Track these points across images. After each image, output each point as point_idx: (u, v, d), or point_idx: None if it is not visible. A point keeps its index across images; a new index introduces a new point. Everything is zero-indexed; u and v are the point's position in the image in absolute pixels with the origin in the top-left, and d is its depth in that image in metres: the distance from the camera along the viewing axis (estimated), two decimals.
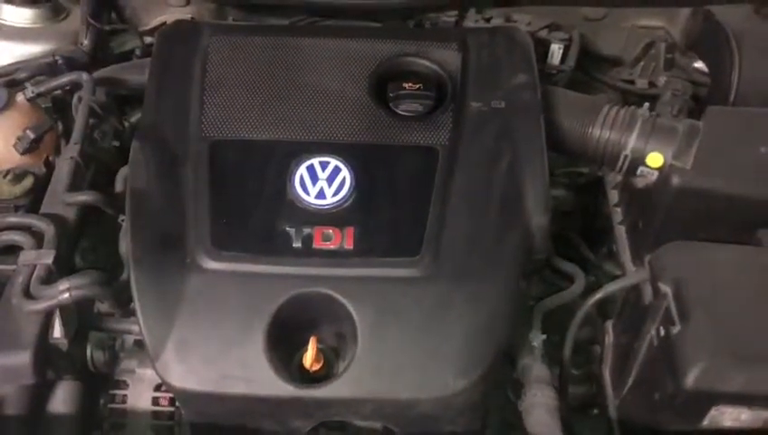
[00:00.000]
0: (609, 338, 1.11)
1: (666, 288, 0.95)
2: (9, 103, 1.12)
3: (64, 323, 0.93)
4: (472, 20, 1.27)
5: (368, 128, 1.04)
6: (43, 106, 1.18)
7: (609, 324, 1.12)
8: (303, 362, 0.90)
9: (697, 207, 1.02)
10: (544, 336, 1.04)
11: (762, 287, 0.92)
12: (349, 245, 0.94)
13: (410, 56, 1.12)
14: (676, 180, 1.02)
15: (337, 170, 1.00)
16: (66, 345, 0.94)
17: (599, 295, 1.05)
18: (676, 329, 0.90)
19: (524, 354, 1.03)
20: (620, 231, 1.18)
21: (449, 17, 1.28)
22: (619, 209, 1.20)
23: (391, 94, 1.08)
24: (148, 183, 1.00)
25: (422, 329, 0.92)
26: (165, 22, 1.32)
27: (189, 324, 0.91)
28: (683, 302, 0.91)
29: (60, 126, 1.16)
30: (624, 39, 1.33)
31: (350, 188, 0.98)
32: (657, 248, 0.99)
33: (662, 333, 0.94)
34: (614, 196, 1.22)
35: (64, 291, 0.89)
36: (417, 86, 1.09)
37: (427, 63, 1.11)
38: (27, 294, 0.90)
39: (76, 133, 1.07)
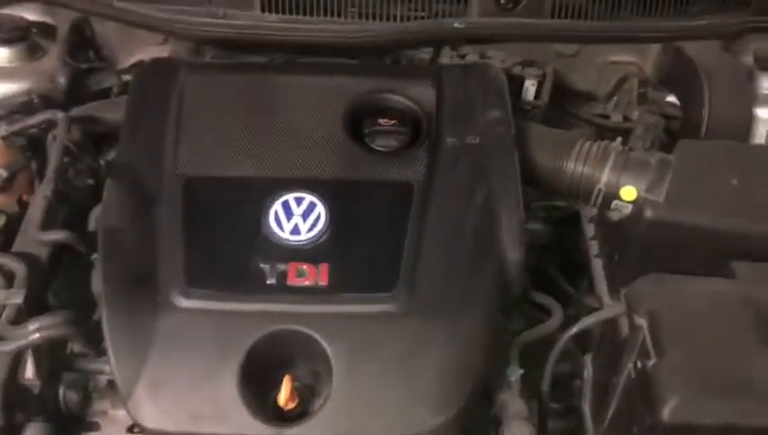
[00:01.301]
0: (588, 372, 1.11)
1: (641, 321, 0.95)
2: None
3: (37, 364, 0.92)
4: (447, 56, 1.29)
5: (343, 163, 1.05)
6: (19, 145, 1.18)
7: (588, 358, 1.12)
8: (278, 400, 0.89)
9: (671, 239, 1.03)
10: (522, 371, 1.03)
11: (735, 319, 0.92)
12: (323, 281, 0.94)
13: (385, 92, 1.13)
14: (649, 213, 1.03)
15: (312, 206, 1.00)
16: (38, 386, 0.93)
17: (575, 329, 1.05)
18: (651, 362, 0.90)
19: (502, 390, 1.02)
20: (597, 264, 1.19)
21: (425, 54, 1.30)
22: (595, 242, 1.20)
23: (366, 130, 1.09)
24: (121, 221, 0.99)
25: (398, 365, 0.91)
26: (142, 60, 1.33)
27: (161, 363, 0.90)
28: (658, 335, 0.91)
29: (34, 165, 1.15)
30: (597, 74, 1.35)
31: (324, 223, 0.98)
32: (633, 281, 1.00)
33: (639, 366, 0.93)
34: (590, 229, 1.23)
35: (34, 331, 0.88)
36: (393, 122, 1.10)
37: (402, 100, 1.13)
38: None
39: (50, 172, 1.07)
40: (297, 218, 0.99)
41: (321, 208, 0.99)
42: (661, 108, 1.33)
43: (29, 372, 0.92)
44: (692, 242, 1.03)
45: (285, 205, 0.99)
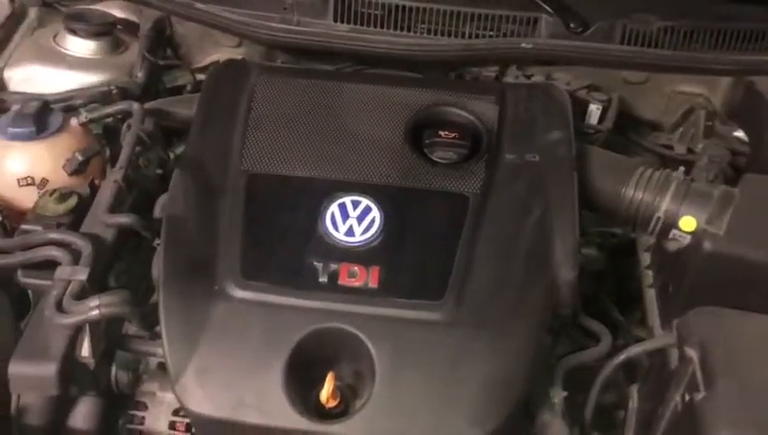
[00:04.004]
0: (634, 402, 1.09)
1: (692, 353, 0.93)
2: (63, 127, 1.17)
3: (93, 342, 0.96)
4: (512, 76, 1.30)
5: (401, 171, 1.07)
6: (95, 132, 1.24)
7: (635, 389, 1.10)
8: (320, 397, 0.90)
9: (729, 273, 1.01)
10: (565, 393, 1.02)
11: None
12: (373, 283, 0.95)
13: (448, 105, 1.15)
14: (707, 245, 1.01)
15: (368, 210, 1.01)
16: (93, 363, 0.96)
17: (622, 357, 1.03)
18: (700, 395, 0.88)
19: (544, 410, 1.01)
20: (650, 294, 1.17)
21: (490, 72, 1.31)
22: (649, 272, 1.19)
23: (427, 141, 1.11)
24: (185, 210, 1.03)
25: (440, 374, 0.91)
26: (217, 60, 1.38)
27: (212, 351, 0.92)
28: (709, 368, 0.89)
29: (108, 151, 1.20)
30: (664, 104, 1.33)
31: (378, 227, 1.00)
32: (686, 313, 0.98)
33: (687, 398, 0.92)
34: (646, 258, 1.21)
35: (94, 308, 0.92)
36: (453, 135, 1.11)
37: (464, 113, 1.14)
38: (59, 308, 0.93)
39: (122, 159, 1.11)
40: (352, 220, 1.00)
41: (376, 213, 1.01)
42: (728, 142, 1.30)
43: (85, 350, 0.96)
44: (750, 277, 1.00)
45: (342, 206, 1.02)
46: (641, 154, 1.33)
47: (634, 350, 1.04)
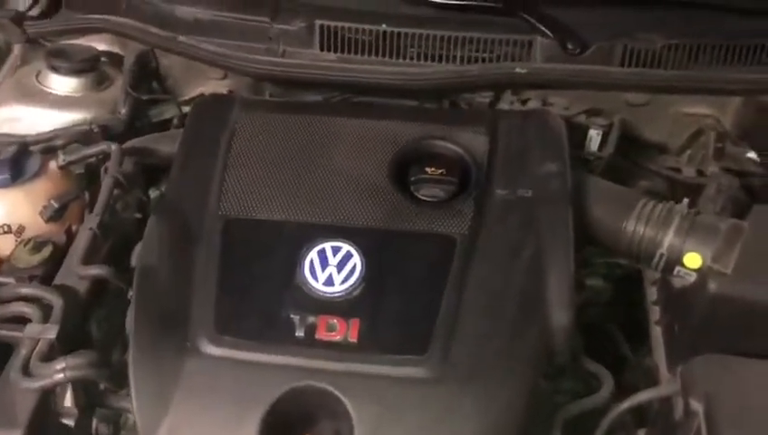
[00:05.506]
0: None
1: (697, 406, 0.87)
2: (40, 171, 1.14)
3: (75, 394, 0.92)
4: (507, 101, 1.24)
5: (384, 212, 1.01)
6: (77, 172, 1.20)
7: (642, 433, 1.04)
8: None
9: (737, 315, 0.94)
10: None
11: None
12: (353, 337, 0.90)
13: (435, 139, 1.09)
14: (713, 286, 0.94)
15: (348, 256, 0.96)
16: (76, 416, 0.93)
17: (625, 405, 0.97)
18: None
19: None
20: (656, 332, 1.10)
21: (484, 97, 1.25)
22: (656, 308, 1.12)
23: (412, 178, 1.05)
24: (158, 260, 0.99)
25: None
26: (203, 93, 1.34)
27: (183, 411, 0.88)
28: (714, 422, 0.83)
29: (87, 195, 1.17)
30: (670, 126, 1.26)
31: (359, 275, 0.95)
32: (692, 356, 0.92)
33: None
34: (653, 292, 1.14)
35: (60, 371, 0.88)
36: (441, 171, 1.05)
37: (452, 147, 1.08)
38: (26, 371, 0.90)
39: (98, 205, 1.08)
40: (332, 268, 0.95)
41: (357, 259, 0.96)
42: (740, 164, 1.23)
43: (68, 400, 0.93)
44: (760, 321, 0.93)
45: (321, 253, 0.97)
46: (647, 178, 1.26)
47: (637, 398, 0.97)
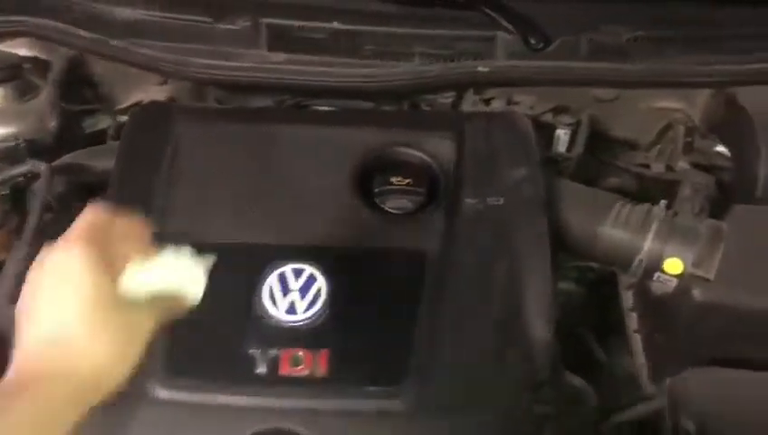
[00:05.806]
0: None
1: (688, 424, 0.83)
2: None
3: None
4: (470, 101, 1.17)
5: (348, 229, 0.94)
6: (2, 194, 1.08)
7: None
8: None
9: (723, 324, 0.90)
10: None
11: None
12: (322, 371, 0.82)
13: (399, 146, 1.02)
14: (697, 294, 0.90)
15: (312, 280, 0.88)
16: None
17: (615, 421, 0.93)
18: None
19: None
20: (636, 339, 1.06)
21: (445, 99, 1.17)
22: (634, 315, 1.07)
23: (377, 190, 0.98)
24: None
25: None
26: (140, 101, 1.23)
27: None
28: None
29: (15, 220, 1.05)
30: (639, 121, 1.21)
31: (325, 300, 0.87)
32: (676, 365, 0.88)
33: None
34: (628, 298, 1.10)
35: None
36: (407, 181, 0.98)
37: (418, 154, 1.01)
38: None
39: (26, 233, 0.97)
40: (294, 294, 0.87)
41: (321, 282, 0.88)
42: (709, 158, 1.19)
43: None
44: (748, 328, 0.89)
45: (282, 278, 0.88)
46: (616, 176, 1.21)
47: (621, 417, 0.93)
